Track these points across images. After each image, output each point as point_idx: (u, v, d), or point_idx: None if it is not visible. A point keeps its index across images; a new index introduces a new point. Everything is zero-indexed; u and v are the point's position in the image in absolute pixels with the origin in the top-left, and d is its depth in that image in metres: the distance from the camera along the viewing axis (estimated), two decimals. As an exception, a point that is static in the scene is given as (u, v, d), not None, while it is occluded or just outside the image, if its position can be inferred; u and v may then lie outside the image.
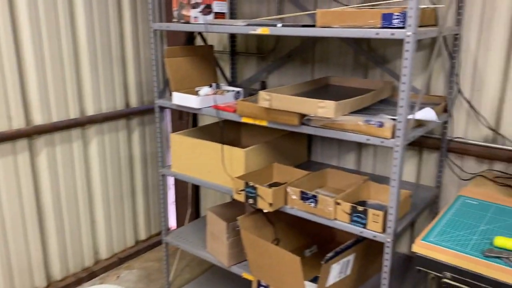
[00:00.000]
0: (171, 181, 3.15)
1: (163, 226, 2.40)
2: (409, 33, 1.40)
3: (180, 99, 2.08)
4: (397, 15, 1.45)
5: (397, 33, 1.42)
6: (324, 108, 1.58)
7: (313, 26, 1.70)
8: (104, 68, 2.56)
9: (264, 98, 1.73)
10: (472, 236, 1.34)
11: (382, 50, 2.13)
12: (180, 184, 3.04)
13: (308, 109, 1.63)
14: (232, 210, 2.27)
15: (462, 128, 1.99)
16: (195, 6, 2.00)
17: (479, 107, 1.93)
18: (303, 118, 1.71)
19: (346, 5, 2.17)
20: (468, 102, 1.94)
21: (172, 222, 3.21)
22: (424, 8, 1.65)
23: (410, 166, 2.17)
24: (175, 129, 2.92)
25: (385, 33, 1.44)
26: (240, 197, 1.89)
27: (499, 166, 1.93)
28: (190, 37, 2.70)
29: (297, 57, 2.41)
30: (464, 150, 1.97)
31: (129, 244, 2.93)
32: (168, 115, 2.97)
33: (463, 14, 1.86)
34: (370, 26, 1.51)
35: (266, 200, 1.79)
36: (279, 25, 1.71)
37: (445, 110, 1.94)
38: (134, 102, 2.77)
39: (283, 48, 2.45)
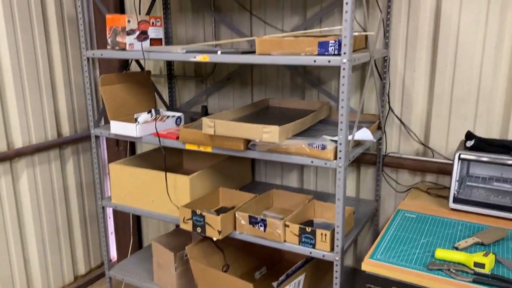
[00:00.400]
0: (109, 210, 3.02)
1: (105, 259, 2.29)
2: (345, 60, 1.46)
3: (118, 128, 2.01)
4: (333, 43, 1.52)
5: (333, 61, 1.48)
6: (268, 133, 1.61)
7: (253, 52, 1.73)
8: (32, 96, 2.41)
9: (208, 125, 1.72)
10: (415, 250, 1.42)
11: (317, 72, 2.21)
12: (120, 213, 2.92)
13: (253, 135, 1.65)
14: (178, 238, 2.22)
15: (395, 144, 2.11)
16: (130, 32, 1.95)
17: (409, 123, 2.06)
18: (249, 143, 1.73)
19: (281, 29, 2.24)
20: (399, 119, 2.07)
21: (113, 254, 3.06)
22: (355, 34, 1.73)
23: (350, 182, 2.25)
24: (111, 157, 2.81)
25: (323, 61, 1.50)
26: (188, 226, 1.85)
27: (430, 178, 2.07)
28: (124, 63, 2.62)
29: (236, 79, 2.43)
30: (398, 164, 2.09)
31: (68, 280, 2.75)
32: (103, 142, 2.85)
33: (389, 37, 1.99)
34: (307, 53, 1.57)
35: (214, 227, 1.77)
36: (219, 52, 1.72)
37: (379, 127, 2.05)
38: (66, 131, 2.63)
39: (222, 71, 2.46)
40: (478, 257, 1.29)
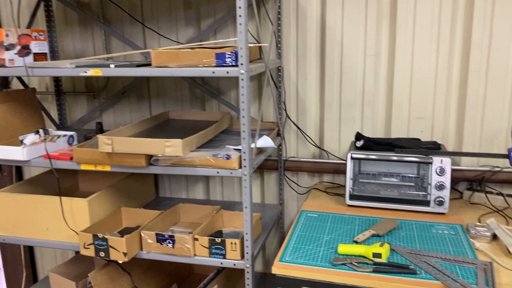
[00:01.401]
0: (-5, 244, 2.70)
1: (-7, 301, 2.04)
2: (242, 71, 1.50)
3: (1, 152, 1.81)
4: (229, 54, 1.55)
5: (232, 71, 1.51)
6: (171, 147, 1.58)
7: (148, 65, 1.69)
8: None
9: (105, 143, 1.64)
10: (319, 248, 1.50)
11: (216, 83, 2.23)
12: (9, 246, 2.63)
13: (155, 150, 1.60)
14: (79, 266, 2.06)
15: (294, 148, 2.21)
16: (9, 47, 1.78)
17: (305, 129, 2.17)
18: (151, 159, 1.67)
19: (176, 41, 2.22)
20: (296, 125, 2.17)
21: (3, 292, 2.74)
22: (250, 46, 1.79)
23: (255, 188, 2.30)
24: (-6, 183, 2.52)
25: (221, 72, 1.52)
26: (90, 252, 1.73)
27: (327, 178, 2.20)
28: (4, 80, 2.38)
29: (132, 93, 2.34)
30: (298, 167, 2.19)
31: None
32: (-17, 168, 2.55)
33: (282, 48, 2.09)
34: (205, 65, 1.58)
35: (119, 250, 1.68)
36: (112, 66, 1.65)
37: (278, 134, 2.13)
38: None
39: (116, 85, 2.36)
40: (375, 248, 1.41)
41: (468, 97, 1.93)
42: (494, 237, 1.53)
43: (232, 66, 1.55)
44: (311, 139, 2.18)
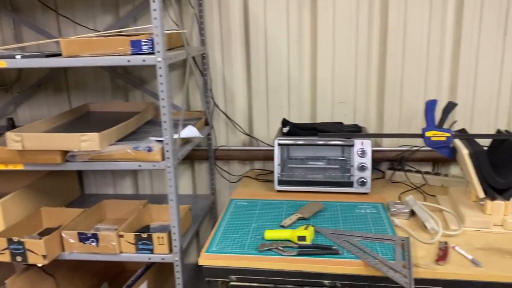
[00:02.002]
0: None
1: None
2: (159, 59, 1.44)
3: None
4: (145, 42, 1.48)
5: (148, 60, 1.45)
6: (87, 141, 1.49)
7: (59, 54, 1.58)
8: None
9: (14, 140, 1.52)
10: (247, 236, 1.49)
11: (138, 72, 2.14)
12: None
13: (70, 145, 1.51)
14: (-3, 272, 1.92)
15: (223, 137, 2.19)
16: None
17: (234, 117, 2.15)
18: (67, 155, 1.58)
19: (93, 29, 2.10)
20: (224, 113, 2.15)
21: None
22: (170, 32, 1.73)
23: (186, 179, 2.26)
24: None
25: (137, 60, 1.45)
26: (5, 257, 1.61)
27: (258, 165, 2.21)
28: None
29: (49, 85, 2.20)
30: (228, 156, 2.17)
31: None
32: None
33: (205, 35, 2.04)
34: (120, 53, 1.50)
35: (38, 253, 1.58)
36: (18, 56, 1.52)
37: (206, 123, 2.09)
38: None
39: (30, 77, 2.20)
40: (300, 231, 1.43)
41: (387, 80, 2.00)
42: (412, 213, 1.61)
43: (149, 54, 1.49)
44: (240, 127, 2.17)
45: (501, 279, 1.25)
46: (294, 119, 2.11)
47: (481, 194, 1.50)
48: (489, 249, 1.37)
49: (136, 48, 1.50)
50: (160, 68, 1.46)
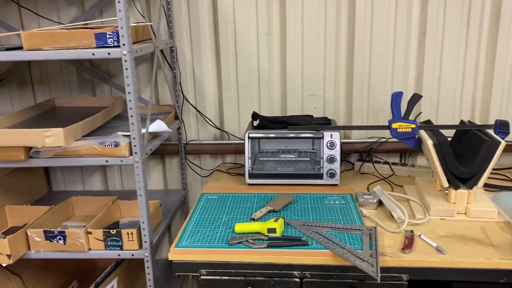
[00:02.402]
0: None
1: None
2: (125, 52, 1.42)
3: None
4: (110, 34, 1.45)
5: (113, 53, 1.42)
6: (51, 137, 1.46)
7: (20, 48, 1.53)
8: None
9: (-26, 136, 1.47)
10: (217, 229, 1.49)
11: (105, 66, 2.10)
12: None
13: (34, 141, 1.47)
14: (-40, 274, 1.86)
15: (194, 131, 2.18)
16: None
17: (204, 111, 2.14)
18: (30, 151, 1.53)
19: (57, 22, 2.04)
20: (194, 107, 2.13)
21: None
22: (136, 25, 1.70)
23: (156, 175, 2.24)
24: None
25: (102, 53, 1.42)
26: (-33, 258, 1.56)
27: (230, 159, 2.21)
28: None
29: (12, 80, 2.13)
30: (199, 150, 2.16)
31: None
32: None
33: (173, 28, 2.02)
34: (85, 46, 1.47)
35: (2, 252, 1.53)
36: (-24, 49, 1.47)
37: (176, 117, 2.07)
38: None
39: (-9, 72, 2.12)
40: (270, 223, 1.43)
41: (355, 73, 2.02)
42: (380, 203, 1.65)
43: (115, 47, 1.46)
44: (211, 121, 2.15)
45: (463, 265, 1.29)
46: (265, 112, 2.12)
47: (445, 184, 1.54)
48: (453, 237, 1.42)
49: (101, 41, 1.47)
50: (125, 61, 1.43)
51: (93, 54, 1.43)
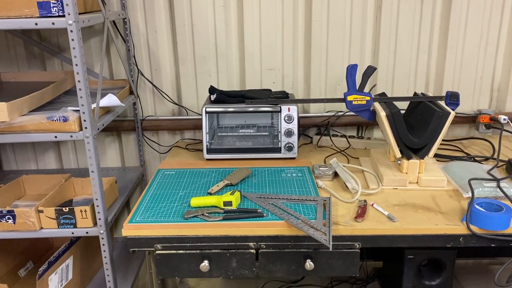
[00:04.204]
0: None
1: None
2: (70, 21, 1.35)
3: None
4: (54, 3, 1.37)
5: (58, 22, 1.35)
6: (-6, 112, 1.38)
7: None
8: None
9: None
10: (173, 204, 1.47)
11: (55, 39, 2.00)
12: None
13: (-26, 116, 1.39)
14: None
15: (151, 107, 2.13)
16: None
17: (160, 85, 2.09)
18: (-28, 127, 1.46)
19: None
20: (150, 82, 2.08)
21: None
22: (84, -6, 1.62)
23: (113, 152, 2.18)
24: None
25: (45, 23, 1.35)
26: None
27: (188, 135, 2.18)
28: None
29: (-48, 54, 2.00)
30: (157, 126, 2.12)
31: None
32: None
33: (126, -1, 1.94)
34: (27, 15, 1.38)
35: None
36: None
37: (131, 92, 2.01)
38: None
39: None
40: (226, 197, 1.43)
41: (312, 47, 2.02)
42: (336, 175, 1.67)
43: (59, 16, 1.39)
44: (168, 96, 2.11)
45: (413, 232, 1.33)
46: (223, 87, 2.09)
47: (398, 154, 1.58)
48: (404, 205, 1.46)
49: (44, 10, 1.39)
50: (71, 31, 1.36)
51: (36, 24, 1.35)
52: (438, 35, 2.00)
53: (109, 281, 1.63)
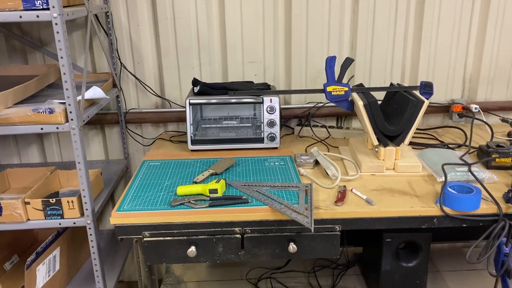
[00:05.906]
0: None
1: None
2: (55, 14, 1.37)
3: None
4: (38, -4, 1.39)
5: (42, 15, 1.37)
6: (-21, 105, 1.39)
7: None
8: None
9: None
10: (159, 193, 1.51)
11: (36, 32, 2.00)
12: None
13: (-41, 109, 1.40)
14: None
15: (134, 100, 2.15)
16: None
17: (143, 78, 2.11)
18: (-44, 121, 1.46)
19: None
20: (133, 75, 2.10)
21: None
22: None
23: (97, 145, 2.20)
24: None
25: (30, 16, 1.37)
26: None
27: (172, 127, 2.21)
28: None
29: None
30: (140, 119, 2.14)
31: None
32: None
33: (108, -8, 1.96)
34: (11, 8, 1.40)
35: None
36: None
37: (114, 85, 2.03)
38: None
39: None
40: (212, 185, 1.47)
41: (293, 39, 2.07)
42: (317, 163, 1.73)
43: (44, 9, 1.40)
44: (151, 89, 2.13)
45: (389, 214, 1.40)
46: (206, 79, 2.13)
47: (375, 142, 1.65)
48: (381, 190, 1.53)
49: (28, 3, 1.40)
50: (56, 24, 1.38)
51: (20, 16, 1.37)
52: (413, 27, 2.08)
53: (96, 271, 1.66)
